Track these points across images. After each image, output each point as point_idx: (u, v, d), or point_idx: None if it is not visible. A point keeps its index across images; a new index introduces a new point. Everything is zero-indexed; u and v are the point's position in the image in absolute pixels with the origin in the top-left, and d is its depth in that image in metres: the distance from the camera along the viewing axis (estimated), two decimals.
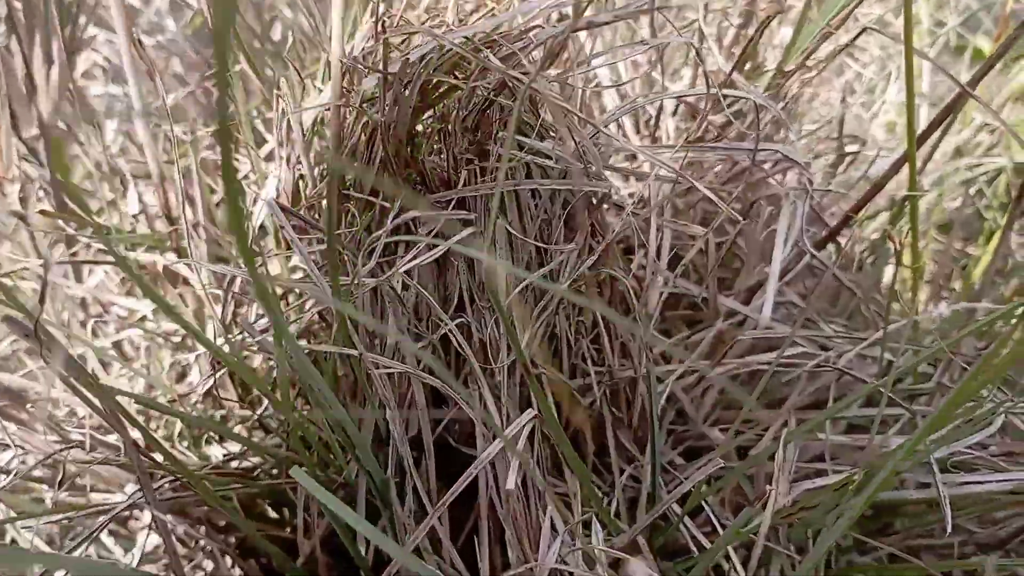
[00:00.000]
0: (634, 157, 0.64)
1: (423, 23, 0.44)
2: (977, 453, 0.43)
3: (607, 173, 0.51)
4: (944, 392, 0.48)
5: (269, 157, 0.66)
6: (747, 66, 0.63)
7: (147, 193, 0.71)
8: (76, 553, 0.40)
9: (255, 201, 0.64)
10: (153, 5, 0.90)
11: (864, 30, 0.50)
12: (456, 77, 0.42)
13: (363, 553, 0.44)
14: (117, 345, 0.64)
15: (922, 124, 0.78)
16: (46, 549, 0.49)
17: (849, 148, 0.63)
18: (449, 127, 0.42)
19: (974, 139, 0.74)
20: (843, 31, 0.58)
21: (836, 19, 0.53)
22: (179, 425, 0.55)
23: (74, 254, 0.50)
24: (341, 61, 0.42)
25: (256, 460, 0.54)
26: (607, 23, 0.38)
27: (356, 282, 0.42)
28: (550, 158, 0.43)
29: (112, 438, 0.51)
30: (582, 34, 0.61)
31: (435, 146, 0.44)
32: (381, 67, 0.41)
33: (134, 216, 0.60)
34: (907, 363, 0.46)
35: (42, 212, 0.54)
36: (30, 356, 0.65)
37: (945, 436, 0.40)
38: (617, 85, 0.60)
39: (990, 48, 0.96)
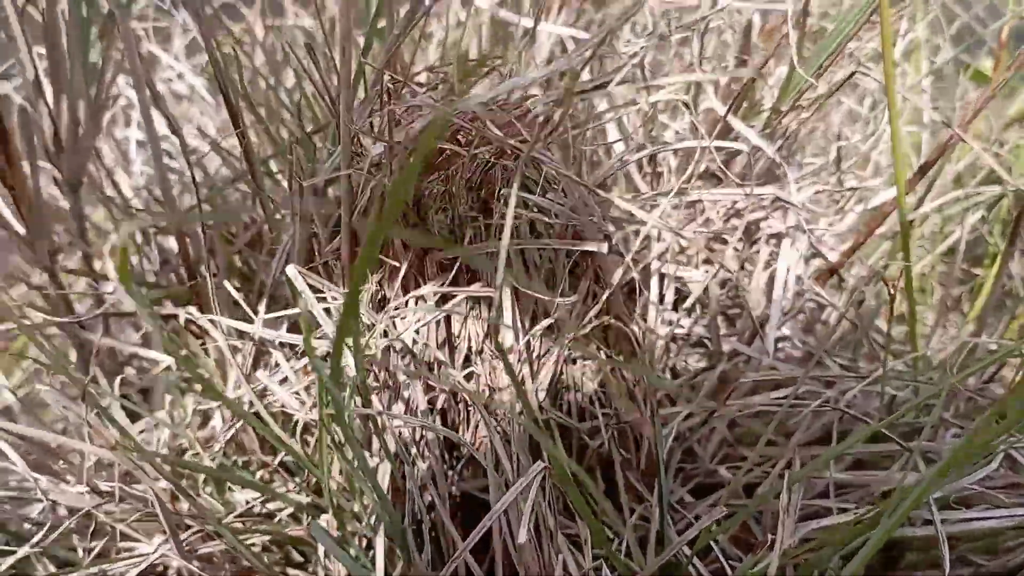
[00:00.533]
0: (636, 193, 0.65)
1: (427, 89, 0.46)
2: (979, 489, 0.43)
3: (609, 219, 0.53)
4: (948, 427, 0.49)
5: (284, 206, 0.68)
6: (744, 105, 0.64)
7: (168, 241, 0.74)
8: None
9: (267, 252, 0.66)
10: (172, 50, 0.93)
11: (854, 73, 0.52)
12: (459, 142, 0.44)
13: None
14: (143, 393, 0.66)
15: (924, 152, 0.79)
16: None
17: (848, 182, 0.64)
18: (453, 189, 0.44)
19: (978, 163, 0.75)
20: (838, 67, 0.60)
21: (827, 60, 0.54)
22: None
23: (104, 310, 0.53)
24: (349, 127, 0.45)
25: (278, 504, 0.56)
26: (602, 88, 0.40)
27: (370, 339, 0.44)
28: (553, 213, 0.45)
29: (140, 488, 0.53)
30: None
31: (440, 205, 0.46)
32: (387, 135, 0.43)
33: (156, 270, 0.63)
34: (908, 399, 0.47)
35: (68, 270, 0.57)
36: (58, 407, 0.67)
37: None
38: (620, 140, 0.62)
39: (992, 68, 0.96)
